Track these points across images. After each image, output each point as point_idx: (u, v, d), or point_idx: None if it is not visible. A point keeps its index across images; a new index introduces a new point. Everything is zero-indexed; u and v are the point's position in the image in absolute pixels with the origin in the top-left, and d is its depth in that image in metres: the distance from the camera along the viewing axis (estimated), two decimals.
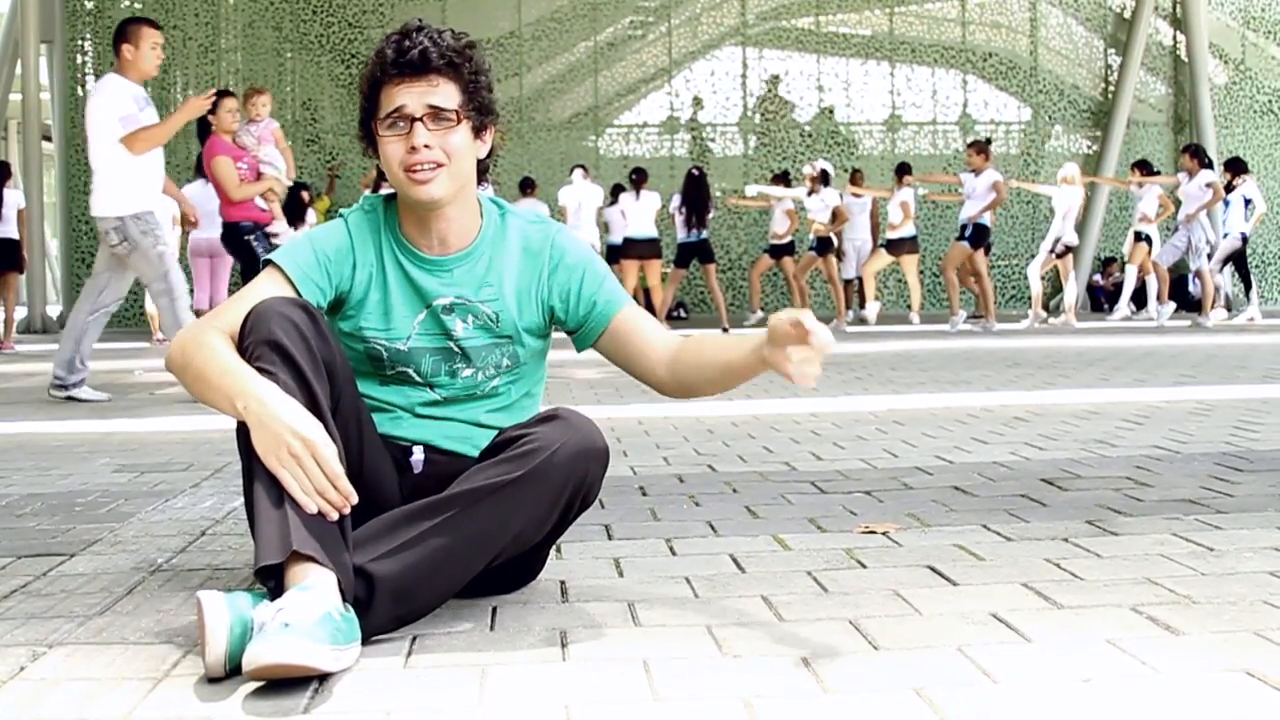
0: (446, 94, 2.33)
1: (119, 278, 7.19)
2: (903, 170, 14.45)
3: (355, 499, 2.07)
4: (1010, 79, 19.57)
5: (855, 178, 15.50)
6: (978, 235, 13.49)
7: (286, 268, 2.34)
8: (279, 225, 8.82)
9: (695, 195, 13.86)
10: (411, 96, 2.31)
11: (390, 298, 2.41)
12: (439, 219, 2.39)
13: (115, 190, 6.95)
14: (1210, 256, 14.18)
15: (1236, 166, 14.61)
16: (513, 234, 2.45)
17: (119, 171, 6.96)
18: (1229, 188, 14.18)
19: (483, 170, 2.46)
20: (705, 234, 13.86)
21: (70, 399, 7.06)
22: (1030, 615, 2.21)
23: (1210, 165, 13.99)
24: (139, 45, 7.01)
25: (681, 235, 13.92)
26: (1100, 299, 18.51)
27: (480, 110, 2.40)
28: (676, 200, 14.10)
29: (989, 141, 14.06)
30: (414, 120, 2.31)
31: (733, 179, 18.42)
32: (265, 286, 2.32)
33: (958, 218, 13.83)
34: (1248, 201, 14.25)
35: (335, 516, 2.05)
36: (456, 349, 2.42)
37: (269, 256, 2.38)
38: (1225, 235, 14.41)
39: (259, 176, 8.50)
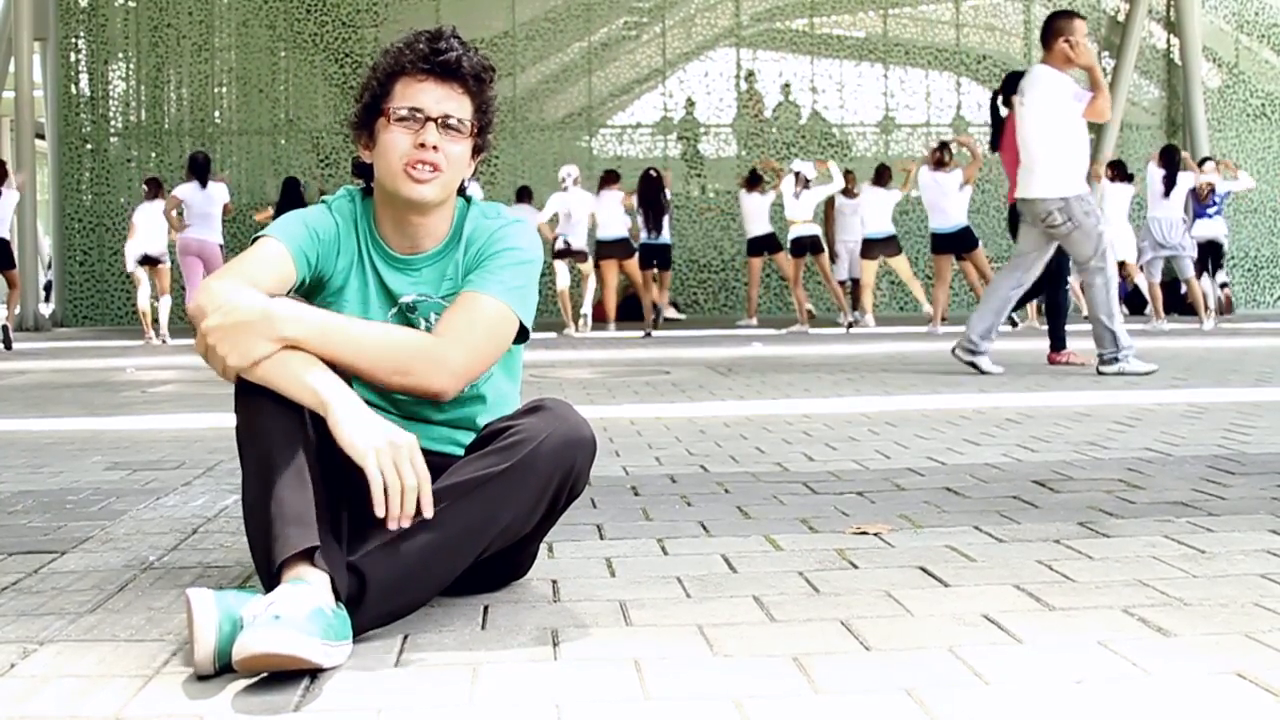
0: (463, 106, 2.37)
1: (1041, 257, 7.71)
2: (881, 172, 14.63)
3: (429, 512, 2.08)
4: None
5: (848, 179, 15.47)
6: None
7: (284, 240, 2.34)
8: None
9: (652, 197, 13.90)
10: (431, 98, 2.33)
11: (368, 287, 2.43)
12: (417, 222, 2.40)
13: (1057, 173, 7.41)
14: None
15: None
16: (468, 226, 2.45)
17: (1059, 156, 7.42)
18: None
19: (460, 190, 2.47)
20: (668, 238, 13.92)
21: (972, 365, 7.62)
22: (1022, 616, 2.21)
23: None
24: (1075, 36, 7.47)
25: (643, 237, 13.99)
26: None
27: (483, 132, 2.43)
28: (633, 201, 14.17)
29: (942, 146, 14.09)
30: (428, 119, 2.32)
31: (726, 180, 18.43)
32: (266, 253, 2.32)
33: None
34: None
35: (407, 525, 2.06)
36: None
37: (265, 232, 2.38)
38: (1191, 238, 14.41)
39: None
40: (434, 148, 2.32)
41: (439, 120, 2.33)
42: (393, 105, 2.34)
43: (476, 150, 2.44)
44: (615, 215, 14.20)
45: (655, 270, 14.62)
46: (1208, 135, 18.87)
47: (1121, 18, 19.68)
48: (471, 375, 2.31)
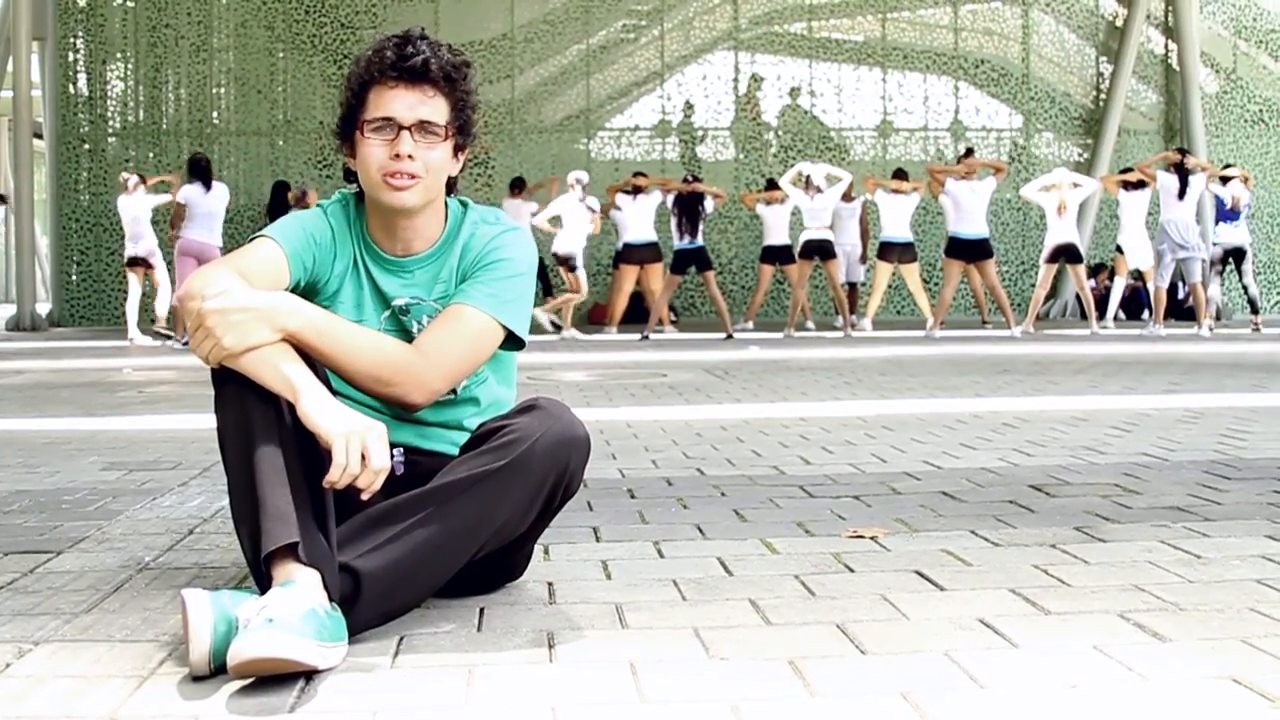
0: (437, 108, 2.35)
1: None
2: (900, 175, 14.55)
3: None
4: (1002, 86, 19.60)
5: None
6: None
7: (281, 243, 2.34)
8: None
9: (689, 202, 13.78)
10: (403, 105, 2.32)
11: (362, 290, 2.43)
12: (405, 225, 2.41)
13: None
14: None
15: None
16: (465, 231, 2.45)
17: None
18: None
19: (450, 186, 2.46)
20: (701, 241, 13.82)
21: None
22: (1017, 621, 2.21)
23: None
24: None
25: (677, 242, 13.85)
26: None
27: (463, 130, 2.41)
28: (670, 200, 14.03)
29: (969, 152, 14.07)
30: (401, 128, 2.31)
31: (724, 183, 18.41)
32: (262, 253, 2.32)
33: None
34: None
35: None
36: None
37: (263, 232, 2.38)
38: (1215, 244, 14.34)
39: None
40: (410, 156, 2.31)
41: (413, 127, 2.32)
42: (366, 116, 2.34)
43: (460, 148, 2.43)
44: (646, 219, 14.06)
45: (693, 273, 14.52)
46: (1205, 141, 18.87)
47: (1120, 23, 19.69)
48: (447, 390, 2.34)
